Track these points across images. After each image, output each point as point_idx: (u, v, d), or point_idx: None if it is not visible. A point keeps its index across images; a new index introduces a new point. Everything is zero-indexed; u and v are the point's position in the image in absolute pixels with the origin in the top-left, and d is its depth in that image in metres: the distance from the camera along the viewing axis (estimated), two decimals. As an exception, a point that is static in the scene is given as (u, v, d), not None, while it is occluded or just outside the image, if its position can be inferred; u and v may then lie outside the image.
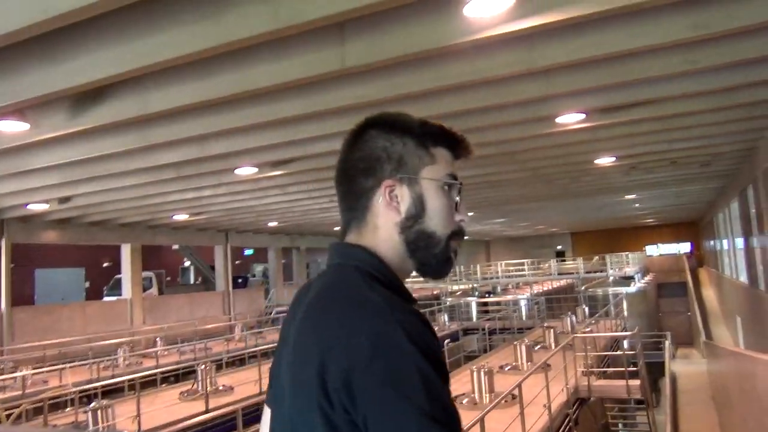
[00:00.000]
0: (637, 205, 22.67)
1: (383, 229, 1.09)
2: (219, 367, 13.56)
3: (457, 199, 1.14)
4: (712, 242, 25.97)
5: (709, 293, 28.92)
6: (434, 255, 1.10)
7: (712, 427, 13.21)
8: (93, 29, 4.21)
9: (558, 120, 7.15)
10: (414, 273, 1.14)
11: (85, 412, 7.96)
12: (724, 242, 19.29)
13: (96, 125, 5.73)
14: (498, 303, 22.90)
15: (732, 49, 4.98)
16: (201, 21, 3.90)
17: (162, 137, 6.44)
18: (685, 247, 39.34)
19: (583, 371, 9.96)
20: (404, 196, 1.09)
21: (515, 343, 11.82)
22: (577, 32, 4.59)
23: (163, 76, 4.97)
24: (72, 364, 12.47)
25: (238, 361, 15.56)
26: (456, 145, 1.16)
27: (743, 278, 14.38)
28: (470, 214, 23.80)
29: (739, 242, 14.74)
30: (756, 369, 6.45)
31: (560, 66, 5.15)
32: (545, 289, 26.44)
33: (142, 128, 6.40)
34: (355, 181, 1.11)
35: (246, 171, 9.32)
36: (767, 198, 9.68)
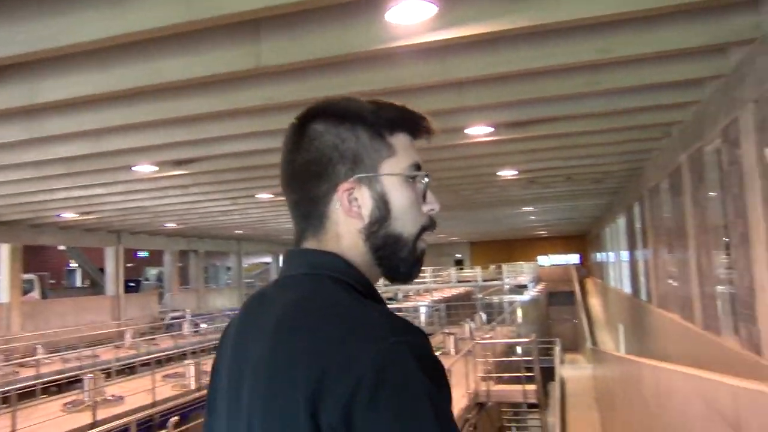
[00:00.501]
0: (533, 217, 23.76)
1: (346, 237, 0.95)
2: (108, 376, 12.79)
3: (424, 185, 1.00)
4: (599, 254, 27.67)
5: (595, 302, 30.80)
6: (402, 259, 0.97)
7: (594, 428, 14.02)
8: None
9: (467, 131, 7.32)
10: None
11: (-50, 429, 7.20)
12: (611, 255, 20.60)
13: (-24, 113, 5.21)
14: (400, 309, 23.17)
15: (630, 74, 5.31)
16: (105, 7, 3.62)
17: (52, 130, 5.95)
18: (574, 259, 41.70)
19: (482, 377, 10.25)
20: (365, 198, 0.95)
21: (417, 349, 11.95)
22: (491, 48, 4.70)
23: (58, 64, 4.58)
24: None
25: (129, 370, 14.74)
26: (416, 126, 1.01)
27: (627, 289, 15.40)
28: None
29: (624, 255, 15.78)
30: (642, 373, 6.88)
31: (472, 80, 5.26)
32: (445, 296, 27.07)
33: (30, 119, 5.88)
34: (306, 188, 0.97)
35: (144, 169, 8.83)
36: (651, 215, 10.42)
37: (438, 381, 0.78)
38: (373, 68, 5.05)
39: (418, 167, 0.99)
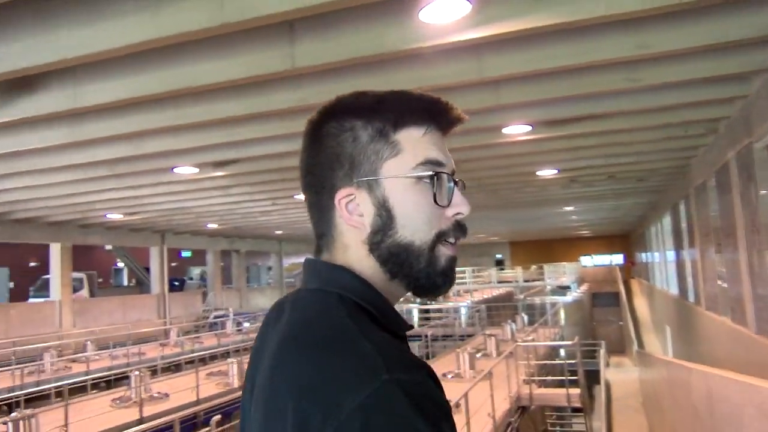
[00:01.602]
0: (574, 216, 23.32)
1: (352, 248, 0.87)
2: (153, 373, 13.09)
3: (450, 187, 0.88)
4: (643, 254, 26.97)
5: (641, 303, 30.04)
6: (420, 270, 0.86)
7: (641, 433, 13.65)
8: (22, 14, 3.94)
9: (504, 131, 7.21)
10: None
11: (5, 423, 7.44)
12: (656, 255, 20.04)
13: (25, 117, 5.37)
14: (440, 310, 23.05)
15: (672, 69, 5.13)
16: (140, 12, 3.69)
17: (95, 133, 6.10)
18: (617, 259, 40.77)
19: (524, 379, 10.09)
20: (366, 205, 0.86)
21: (458, 350, 11.88)
22: (527, 45, 4.61)
23: (98, 68, 4.70)
24: (-11, 371, 11.75)
25: (174, 367, 15.07)
26: (431, 116, 0.89)
27: (673, 290, 14.95)
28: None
29: (670, 255, 15.33)
30: (690, 378, 6.65)
31: (509, 77, 5.17)
32: (485, 297, 26.80)
33: (73, 122, 6.05)
34: (312, 196, 0.91)
35: (185, 171, 9.01)
36: (698, 214, 10.08)
37: (438, 424, 0.68)
38: (408, 68, 5.02)
39: (435, 164, 0.87)
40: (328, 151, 0.88)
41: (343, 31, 4.24)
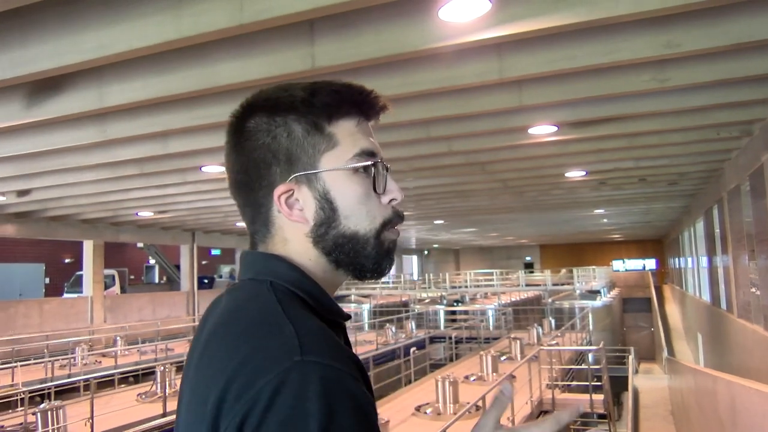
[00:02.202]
0: (605, 220, 22.94)
1: (294, 242, 0.88)
2: (179, 369, 13.26)
3: (385, 175, 0.90)
4: (676, 260, 26.41)
5: (673, 310, 29.42)
6: (366, 256, 0.88)
7: (670, 442, 13.36)
8: (48, 17, 4.02)
9: (530, 131, 7.12)
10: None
11: (34, 414, 7.63)
12: (689, 260, 19.60)
13: (53, 117, 5.48)
14: (466, 312, 22.92)
15: (702, 69, 4.99)
16: (161, 13, 3.73)
17: (122, 132, 6.20)
18: (650, 264, 40.01)
19: (547, 384, 9.95)
20: (306, 199, 0.87)
21: (481, 353, 11.78)
22: (550, 45, 4.54)
23: (122, 69, 4.78)
24: (23, 363, 12.05)
25: (200, 364, 15.24)
26: (361, 106, 0.90)
27: (706, 297, 14.59)
28: (437, 222, 23.37)
29: (703, 261, 14.96)
30: (716, 387, 6.47)
31: (532, 77, 5.09)
32: (512, 299, 26.56)
33: (100, 122, 6.17)
34: (246, 194, 0.90)
35: (212, 170, 9.10)
36: (731, 219, 9.81)
37: (345, 414, 0.67)
38: (429, 68, 4.98)
39: (369, 154, 0.89)
40: (260, 147, 0.87)
41: (363, 31, 4.22)
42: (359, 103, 0.90)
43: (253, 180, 0.88)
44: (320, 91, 0.88)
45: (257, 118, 0.88)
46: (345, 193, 0.87)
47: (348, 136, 0.88)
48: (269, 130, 0.86)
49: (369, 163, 0.88)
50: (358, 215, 0.87)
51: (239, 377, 0.70)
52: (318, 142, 0.87)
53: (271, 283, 0.83)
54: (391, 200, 0.91)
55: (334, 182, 0.87)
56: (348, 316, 0.93)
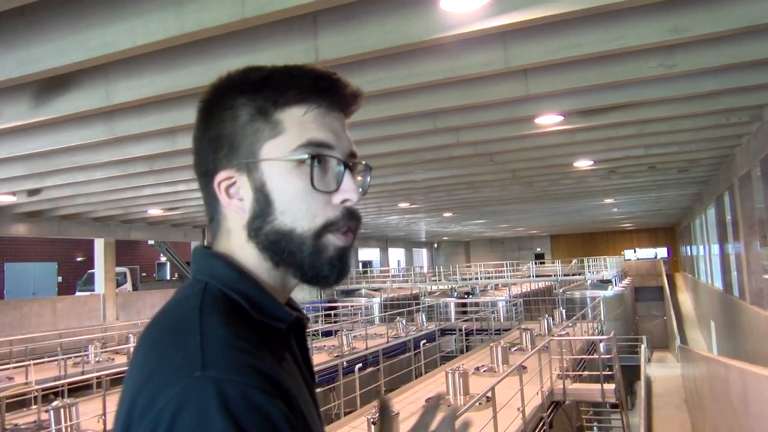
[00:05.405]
0: (615, 209, 22.81)
1: (234, 234, 0.83)
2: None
3: (339, 171, 0.83)
4: (688, 248, 26.23)
5: (685, 298, 29.25)
6: (303, 259, 0.81)
7: (684, 430, 13.32)
8: (54, 15, 4.04)
9: (537, 121, 7.08)
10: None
11: (47, 411, 7.71)
12: (701, 248, 19.46)
13: (61, 115, 5.51)
14: (476, 304, 22.90)
15: (710, 54, 4.93)
16: (163, 9, 3.74)
17: (130, 130, 6.23)
18: (662, 252, 39.77)
19: (558, 374, 9.93)
20: (245, 189, 0.81)
21: (491, 344, 11.77)
22: (555, 32, 4.50)
23: (128, 66, 4.79)
24: (36, 361, 12.16)
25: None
26: (324, 92, 0.83)
27: (718, 284, 14.50)
28: (447, 214, 23.29)
29: (715, 248, 14.85)
30: (729, 375, 6.43)
31: (538, 66, 5.06)
32: (523, 291, 26.50)
33: (108, 120, 6.19)
34: (199, 177, 0.85)
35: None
36: (743, 205, 9.72)
37: (253, 428, 0.63)
38: (433, 59, 4.96)
39: (319, 145, 0.81)
40: (211, 130, 0.83)
41: (366, 23, 4.21)
42: (316, 89, 0.82)
43: (202, 164, 0.85)
44: (275, 74, 0.82)
45: (217, 100, 0.83)
46: (282, 187, 0.80)
47: (295, 125, 0.81)
48: (219, 113, 0.82)
49: (305, 156, 0.80)
50: (296, 212, 0.80)
51: (144, 392, 0.67)
52: (261, 128, 0.81)
53: (205, 285, 0.79)
54: (344, 200, 0.83)
55: (272, 173, 0.80)
56: (293, 317, 0.84)
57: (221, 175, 0.82)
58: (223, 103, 0.82)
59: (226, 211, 0.84)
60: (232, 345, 0.70)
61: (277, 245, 0.81)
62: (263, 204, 0.81)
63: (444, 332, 18.94)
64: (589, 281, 26.59)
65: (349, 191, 0.82)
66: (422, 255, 44.63)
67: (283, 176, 0.80)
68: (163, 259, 29.41)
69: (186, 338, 0.70)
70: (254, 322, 0.77)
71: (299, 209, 0.80)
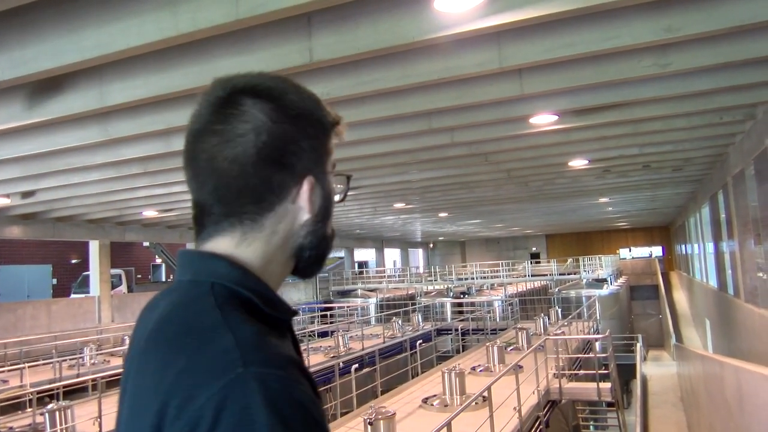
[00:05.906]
0: (610, 208, 22.87)
1: (282, 233, 0.86)
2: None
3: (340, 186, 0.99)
4: (683, 246, 26.32)
5: (680, 296, 29.34)
6: (318, 257, 0.92)
7: (680, 428, 13.36)
8: (48, 16, 4.03)
9: (531, 121, 7.09)
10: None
11: (42, 414, 7.67)
12: (695, 246, 19.54)
13: (55, 117, 5.50)
14: (472, 304, 22.91)
15: (703, 53, 4.96)
16: (157, 9, 3.73)
17: (124, 131, 6.22)
18: (657, 251, 39.89)
19: (554, 373, 9.94)
20: (316, 195, 0.89)
21: (488, 344, 11.78)
22: (548, 32, 4.52)
23: (122, 67, 4.78)
24: (31, 364, 12.11)
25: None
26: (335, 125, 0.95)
27: (713, 282, 14.55)
28: (442, 214, 23.24)
29: (710, 247, 14.91)
30: (724, 373, 6.46)
31: (532, 66, 5.07)
32: (519, 290, 26.54)
33: (103, 121, 6.17)
34: (253, 175, 0.82)
35: (215, 167, 9.11)
36: (736, 203, 9.77)
37: (296, 423, 0.66)
38: (427, 59, 4.97)
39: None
40: (309, 140, 0.88)
41: (360, 24, 4.21)
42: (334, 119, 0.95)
43: (278, 161, 0.84)
44: (319, 101, 0.93)
45: (274, 106, 0.86)
46: (332, 197, 0.94)
47: (331, 147, 0.93)
48: (292, 121, 0.87)
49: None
50: (329, 219, 0.94)
51: (178, 392, 0.68)
52: (325, 144, 0.92)
53: (212, 286, 0.79)
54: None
55: (330, 185, 0.93)
56: (295, 312, 0.91)
57: (310, 179, 0.88)
58: (288, 111, 0.87)
59: (294, 209, 0.87)
60: (265, 340, 0.72)
61: (320, 245, 0.91)
62: (325, 210, 0.91)
63: (440, 332, 18.94)
64: (584, 280, 26.65)
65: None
66: (418, 255, 44.63)
67: (332, 189, 0.94)
68: (158, 260, 29.35)
69: (213, 337, 0.71)
70: (265, 317, 0.80)
71: (329, 217, 0.94)
